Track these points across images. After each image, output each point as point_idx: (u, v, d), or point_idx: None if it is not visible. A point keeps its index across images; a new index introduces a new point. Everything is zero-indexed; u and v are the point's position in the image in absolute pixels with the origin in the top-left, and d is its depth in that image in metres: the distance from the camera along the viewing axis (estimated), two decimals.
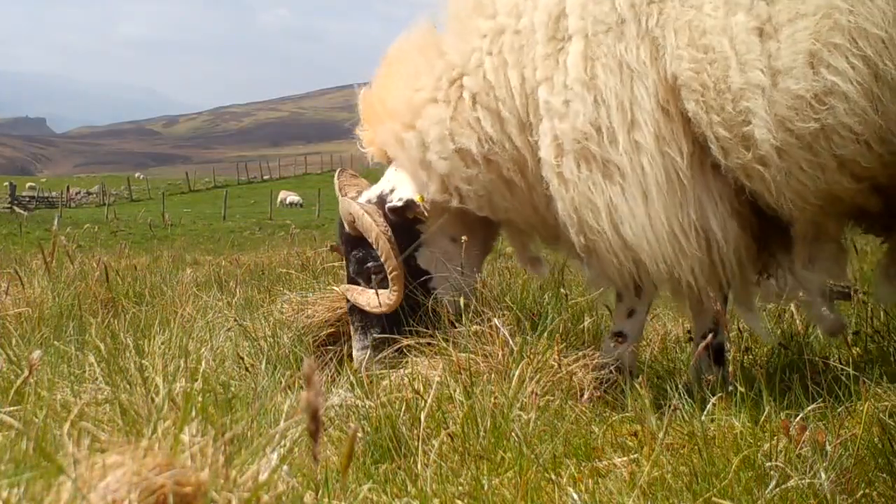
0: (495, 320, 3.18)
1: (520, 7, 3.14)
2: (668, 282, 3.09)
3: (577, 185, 3.00)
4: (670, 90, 2.86)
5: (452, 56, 3.30)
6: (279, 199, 48.70)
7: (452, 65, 3.29)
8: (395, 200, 3.46)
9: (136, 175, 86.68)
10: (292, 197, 50.60)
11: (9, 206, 44.61)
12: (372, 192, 3.61)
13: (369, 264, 3.54)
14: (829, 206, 2.88)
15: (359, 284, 3.59)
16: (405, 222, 3.48)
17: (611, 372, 3.20)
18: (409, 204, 3.43)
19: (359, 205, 3.51)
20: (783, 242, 3.11)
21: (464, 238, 3.47)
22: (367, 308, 3.51)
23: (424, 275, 3.52)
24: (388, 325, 3.47)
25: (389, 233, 3.46)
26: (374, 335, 3.52)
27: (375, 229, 3.45)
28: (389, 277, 3.45)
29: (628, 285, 3.21)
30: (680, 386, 2.83)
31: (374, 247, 3.47)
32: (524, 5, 3.14)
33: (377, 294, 3.49)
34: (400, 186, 3.51)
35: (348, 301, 3.64)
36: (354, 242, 3.60)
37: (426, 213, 3.45)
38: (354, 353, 3.62)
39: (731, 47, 2.73)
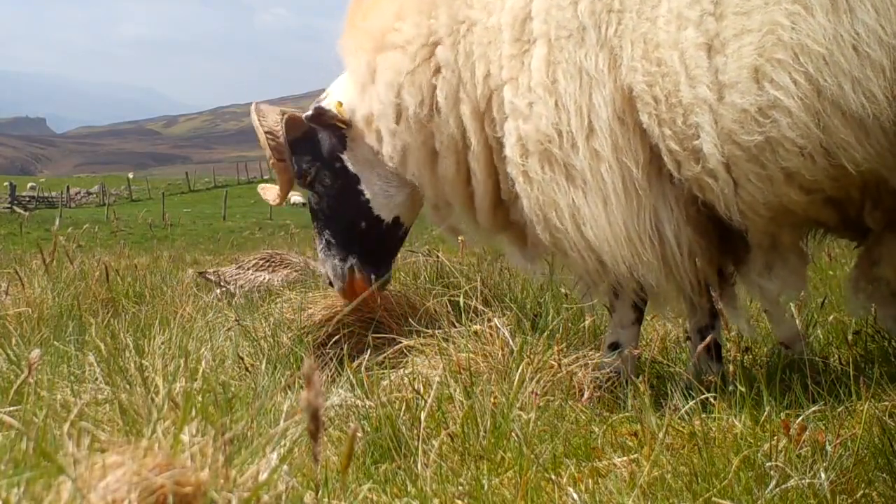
0: (495, 320, 3.18)
1: (490, 5, 3.16)
2: (631, 282, 3.09)
3: (542, 186, 3.02)
4: (626, 101, 2.87)
5: (438, 24, 3.28)
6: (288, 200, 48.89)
7: (434, 30, 3.28)
8: (312, 107, 3.53)
9: (130, 175, 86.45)
10: (297, 198, 50.61)
11: (9, 206, 44.62)
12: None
13: (304, 165, 3.67)
14: (781, 218, 2.90)
15: (314, 187, 3.70)
16: (330, 126, 3.53)
17: (611, 372, 3.21)
18: (319, 111, 3.48)
19: (255, 104, 3.69)
20: (744, 248, 3.12)
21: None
22: (270, 201, 3.85)
23: (355, 178, 3.60)
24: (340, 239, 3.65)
25: (275, 129, 3.58)
26: (326, 239, 3.69)
27: (260, 129, 3.59)
28: (275, 172, 3.65)
29: (597, 283, 3.21)
30: (680, 386, 2.83)
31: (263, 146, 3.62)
32: (494, 4, 3.15)
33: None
34: (332, 94, 3.56)
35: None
36: (292, 148, 3.69)
37: (340, 119, 3.48)
38: (322, 268, 3.79)
39: (681, 62, 2.74)
